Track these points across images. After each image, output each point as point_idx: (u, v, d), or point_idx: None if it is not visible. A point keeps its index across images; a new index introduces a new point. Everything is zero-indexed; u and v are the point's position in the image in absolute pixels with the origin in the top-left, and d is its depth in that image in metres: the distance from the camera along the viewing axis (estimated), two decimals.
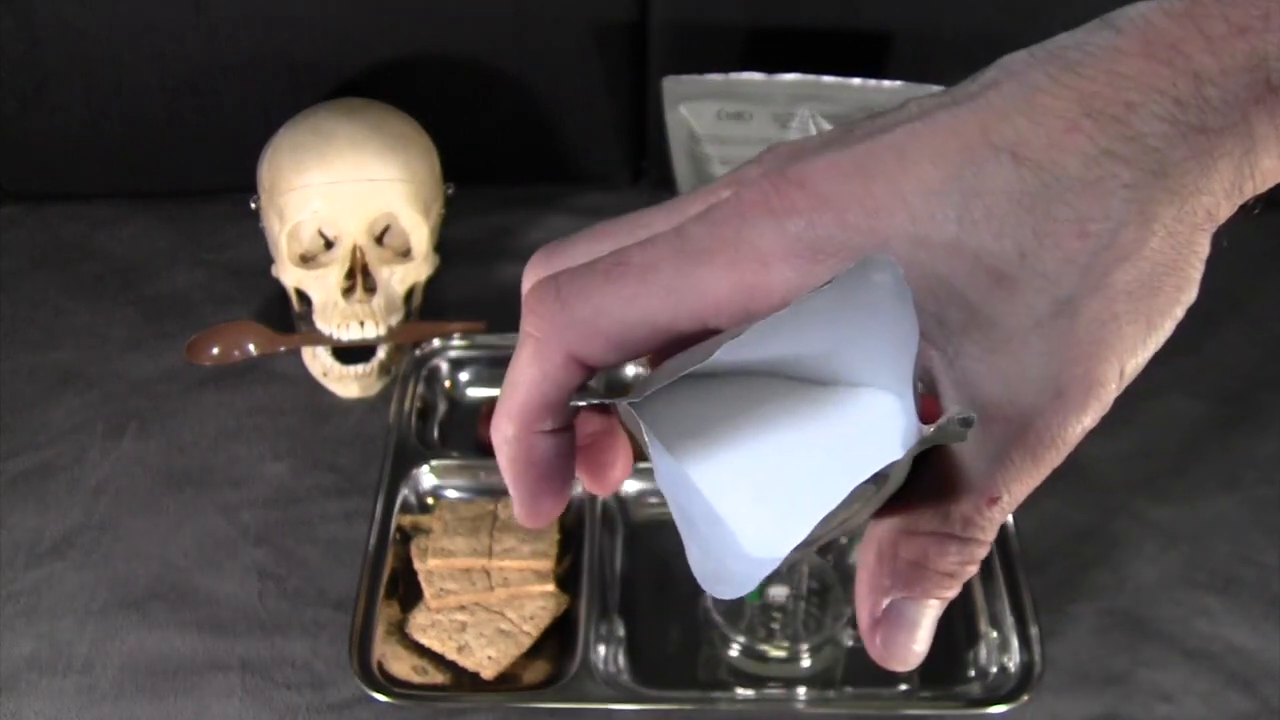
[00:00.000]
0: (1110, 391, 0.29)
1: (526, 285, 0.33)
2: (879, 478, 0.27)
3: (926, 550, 0.30)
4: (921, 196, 0.29)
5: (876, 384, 0.30)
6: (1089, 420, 0.29)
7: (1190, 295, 0.29)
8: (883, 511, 0.30)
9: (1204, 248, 0.29)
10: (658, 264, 0.31)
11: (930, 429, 0.27)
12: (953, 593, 0.31)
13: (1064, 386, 0.29)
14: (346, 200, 0.87)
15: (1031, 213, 0.28)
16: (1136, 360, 0.29)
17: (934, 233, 0.29)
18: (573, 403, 0.32)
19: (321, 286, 0.88)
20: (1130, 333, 0.29)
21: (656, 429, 0.31)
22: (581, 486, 0.81)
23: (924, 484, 0.30)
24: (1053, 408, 0.29)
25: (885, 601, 0.31)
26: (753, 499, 0.30)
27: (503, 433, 0.33)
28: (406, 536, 0.77)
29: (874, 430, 0.30)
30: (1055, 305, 0.28)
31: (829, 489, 0.27)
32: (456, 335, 0.89)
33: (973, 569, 0.31)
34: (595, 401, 0.32)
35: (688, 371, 0.29)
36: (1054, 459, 0.30)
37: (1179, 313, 0.29)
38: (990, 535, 0.30)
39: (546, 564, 0.74)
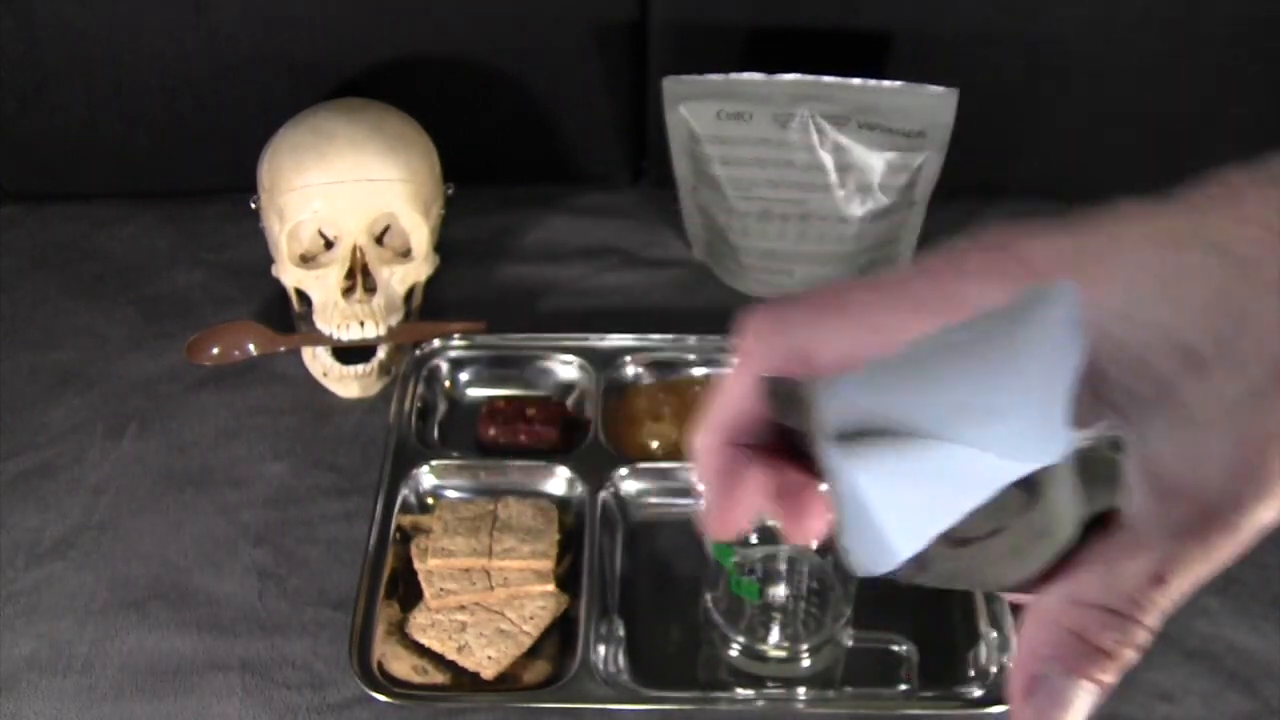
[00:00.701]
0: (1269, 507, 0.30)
1: (745, 322, 0.35)
2: (1030, 489, 0.29)
3: (1087, 622, 0.31)
4: (1130, 278, 0.30)
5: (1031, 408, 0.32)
6: (1268, 515, 0.30)
7: None
8: (1052, 579, 0.32)
9: None
10: (873, 305, 0.33)
11: (1082, 440, 0.29)
12: (1109, 677, 0.32)
13: (1247, 475, 0.29)
14: (346, 200, 0.87)
15: (1232, 306, 0.29)
16: None
17: (1137, 312, 0.30)
18: (763, 374, 0.34)
19: (321, 286, 0.88)
20: None
21: (828, 417, 0.33)
22: (581, 486, 0.81)
23: (1096, 556, 0.31)
24: (1234, 495, 0.29)
25: (1040, 672, 0.32)
26: (898, 494, 0.32)
27: (704, 442, 0.36)
28: (406, 536, 0.77)
29: (1028, 441, 0.31)
30: (1246, 395, 0.29)
31: (973, 491, 0.30)
32: (456, 335, 0.89)
33: (1131, 655, 0.31)
34: (784, 378, 0.34)
35: (871, 363, 0.32)
36: (1227, 548, 0.30)
37: None
38: (1152, 621, 0.31)
39: (546, 564, 0.74)
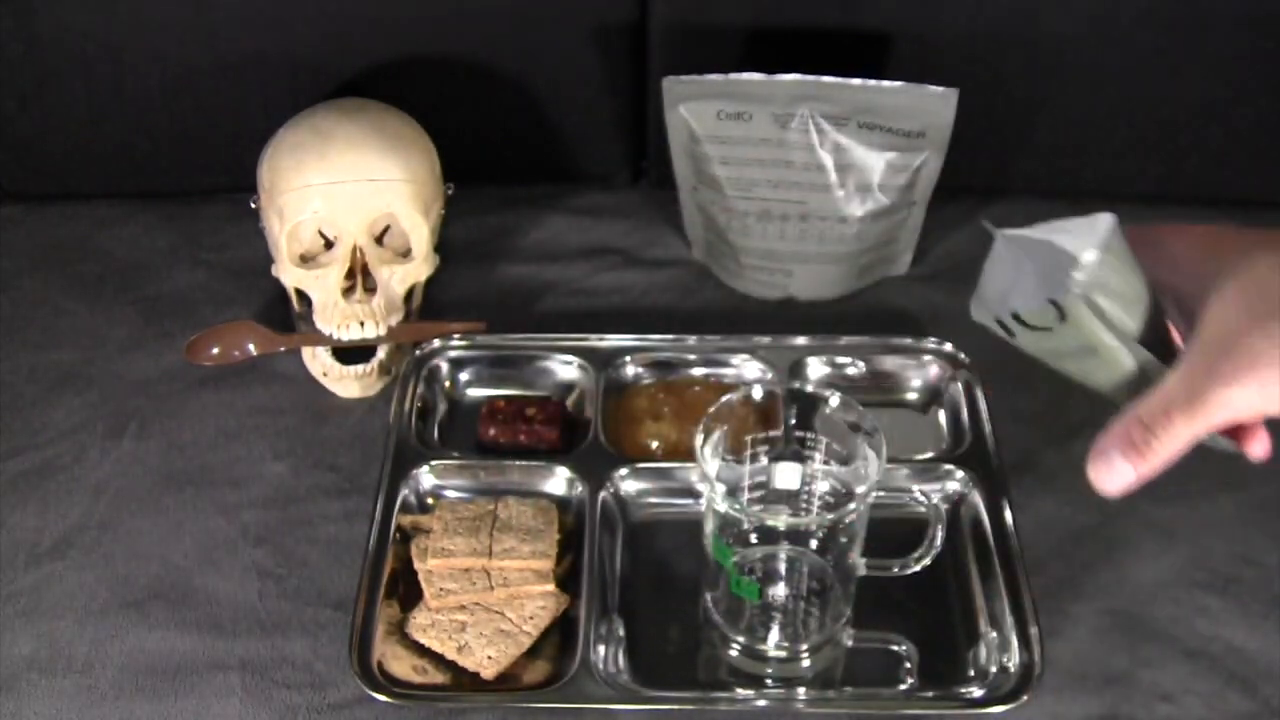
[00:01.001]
0: (1231, 395, 0.51)
1: None
2: (1059, 307, 0.53)
3: (1130, 425, 0.53)
4: (1224, 263, 0.54)
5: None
6: (1236, 400, 0.51)
7: None
8: (1137, 398, 0.54)
9: None
10: None
11: (1077, 290, 0.53)
12: (1140, 460, 0.53)
13: (1226, 375, 0.51)
14: (346, 200, 0.87)
15: (1263, 297, 0.52)
16: (1251, 397, 0.51)
17: (1221, 280, 0.54)
18: (985, 223, 0.58)
19: (321, 286, 0.88)
20: (1267, 365, 0.50)
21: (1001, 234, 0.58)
22: (581, 486, 0.80)
23: (1150, 393, 0.53)
24: (1213, 381, 0.51)
25: (1106, 447, 0.54)
26: (1001, 275, 0.57)
27: None
28: (406, 536, 0.77)
29: (1052, 277, 0.54)
30: (1246, 324, 0.52)
31: (1031, 294, 0.54)
32: (456, 335, 0.89)
33: (1148, 454, 0.53)
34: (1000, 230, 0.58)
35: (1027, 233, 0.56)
36: (1203, 412, 0.52)
37: None
38: (1157, 439, 0.53)
39: (546, 564, 0.74)
